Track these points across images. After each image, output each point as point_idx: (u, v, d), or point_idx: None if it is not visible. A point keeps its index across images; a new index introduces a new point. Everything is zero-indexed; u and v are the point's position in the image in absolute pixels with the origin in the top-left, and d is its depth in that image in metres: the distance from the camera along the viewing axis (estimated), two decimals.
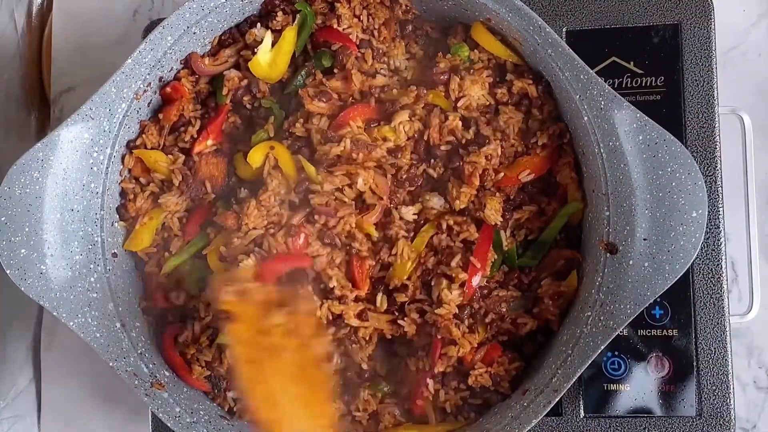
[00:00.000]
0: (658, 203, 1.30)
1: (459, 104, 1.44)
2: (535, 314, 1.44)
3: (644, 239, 1.31)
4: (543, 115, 1.46)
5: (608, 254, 1.35)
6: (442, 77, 1.45)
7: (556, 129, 1.45)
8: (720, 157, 1.48)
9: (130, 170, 1.48)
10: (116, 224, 1.47)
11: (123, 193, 1.49)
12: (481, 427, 1.42)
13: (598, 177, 1.36)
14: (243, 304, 1.31)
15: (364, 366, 1.45)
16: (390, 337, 1.45)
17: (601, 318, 1.34)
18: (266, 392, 1.28)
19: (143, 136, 1.48)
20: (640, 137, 1.31)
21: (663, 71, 1.51)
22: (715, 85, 1.49)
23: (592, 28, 1.53)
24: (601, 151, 1.34)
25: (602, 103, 1.33)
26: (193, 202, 1.49)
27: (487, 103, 1.46)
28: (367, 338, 1.44)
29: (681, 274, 1.29)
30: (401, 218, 1.43)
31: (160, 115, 1.49)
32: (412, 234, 1.44)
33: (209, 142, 1.49)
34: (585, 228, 1.45)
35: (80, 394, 1.80)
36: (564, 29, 1.54)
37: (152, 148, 1.48)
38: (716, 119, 1.49)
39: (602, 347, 1.32)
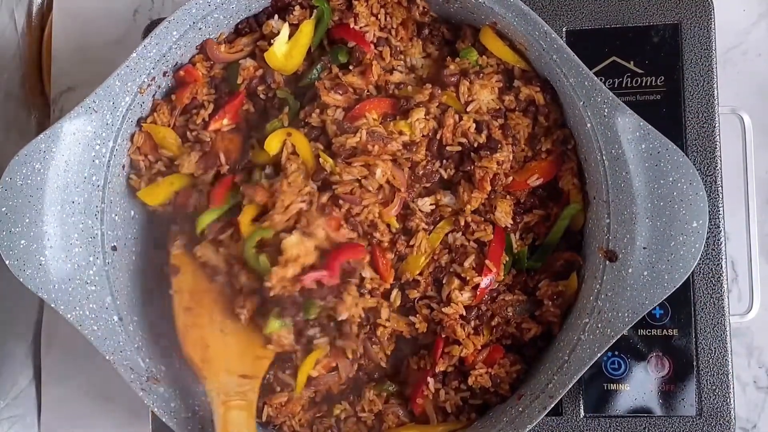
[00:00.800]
0: (659, 212, 1.30)
1: (469, 108, 1.44)
2: (538, 317, 1.44)
3: (644, 248, 1.31)
4: (549, 122, 1.46)
5: (608, 261, 1.35)
6: (452, 79, 1.45)
7: (560, 135, 1.45)
8: (720, 156, 1.48)
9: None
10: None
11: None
12: (475, 430, 1.42)
13: (600, 184, 1.36)
14: (187, 256, 1.42)
15: (383, 365, 1.45)
16: (408, 337, 1.45)
17: (599, 325, 1.33)
18: (199, 336, 1.38)
19: (154, 114, 1.47)
20: (643, 146, 1.31)
21: (663, 71, 1.51)
22: (715, 85, 1.49)
23: (592, 28, 1.53)
24: (604, 158, 1.34)
25: (606, 110, 1.33)
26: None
27: (497, 107, 1.45)
28: (387, 337, 1.44)
29: (680, 284, 1.29)
30: (421, 210, 1.43)
31: (173, 96, 1.49)
32: (431, 228, 1.44)
33: (225, 121, 1.48)
34: (585, 234, 1.45)
35: (80, 394, 1.79)
36: (564, 29, 1.54)
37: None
38: (716, 119, 1.49)
39: (599, 355, 1.32)
